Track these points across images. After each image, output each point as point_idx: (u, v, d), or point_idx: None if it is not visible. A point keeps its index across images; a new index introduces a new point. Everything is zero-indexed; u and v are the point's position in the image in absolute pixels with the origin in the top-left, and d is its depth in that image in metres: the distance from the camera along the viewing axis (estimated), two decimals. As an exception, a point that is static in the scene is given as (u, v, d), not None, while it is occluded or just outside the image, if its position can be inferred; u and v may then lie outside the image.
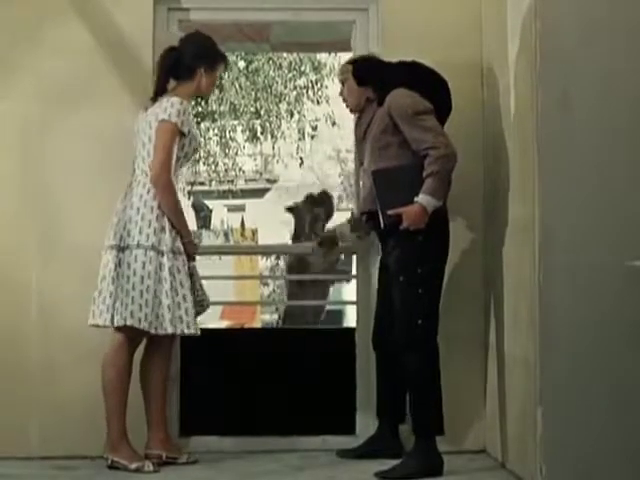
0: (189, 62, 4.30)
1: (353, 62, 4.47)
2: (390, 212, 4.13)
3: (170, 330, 4.11)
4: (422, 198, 4.07)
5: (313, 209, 7.50)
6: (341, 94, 4.53)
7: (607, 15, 3.68)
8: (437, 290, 4.21)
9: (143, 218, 4.14)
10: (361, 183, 4.58)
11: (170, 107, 4.17)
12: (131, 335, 4.13)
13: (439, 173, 4.08)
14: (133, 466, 4.10)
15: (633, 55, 3.67)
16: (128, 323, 4.06)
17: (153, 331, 4.09)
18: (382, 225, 4.20)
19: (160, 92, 4.29)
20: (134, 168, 4.28)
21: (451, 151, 4.11)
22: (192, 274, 4.28)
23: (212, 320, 9.24)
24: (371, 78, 4.34)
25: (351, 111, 4.52)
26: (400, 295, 4.18)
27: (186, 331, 4.14)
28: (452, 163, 4.12)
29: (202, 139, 15.84)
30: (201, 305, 4.36)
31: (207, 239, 14.24)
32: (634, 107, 3.66)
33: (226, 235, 16.02)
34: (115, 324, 4.10)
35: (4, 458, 4.38)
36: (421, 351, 4.14)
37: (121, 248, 4.14)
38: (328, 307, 8.73)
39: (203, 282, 4.40)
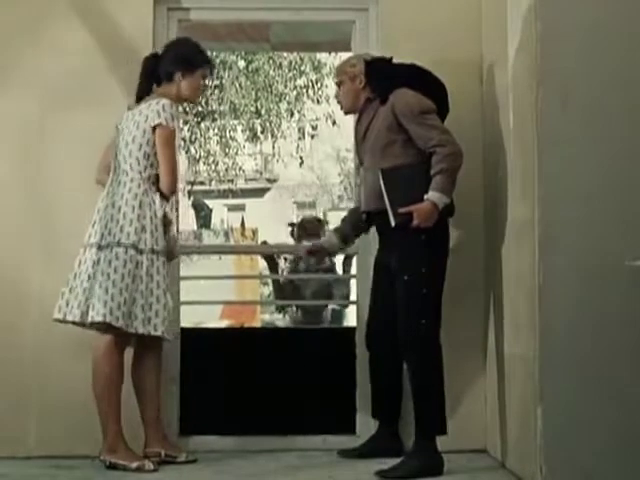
0: (166, 67, 4.32)
1: (369, 62, 4.45)
2: (401, 210, 4.13)
3: (140, 330, 4.09)
4: (432, 195, 4.09)
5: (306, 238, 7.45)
6: (337, 96, 4.54)
7: (607, 15, 3.69)
8: (440, 289, 4.22)
9: (125, 217, 4.14)
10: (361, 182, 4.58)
11: (162, 111, 4.18)
12: (119, 336, 4.12)
13: (448, 170, 4.10)
14: (134, 465, 4.10)
15: (633, 55, 3.68)
16: (107, 320, 4.04)
17: (125, 329, 4.07)
18: (392, 223, 4.19)
19: (142, 95, 4.33)
20: (115, 166, 4.29)
21: (458, 149, 4.15)
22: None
23: (212, 320, 9.24)
24: (374, 78, 4.34)
25: (345, 113, 4.53)
26: (404, 295, 4.17)
27: (153, 333, 4.12)
28: (459, 161, 4.15)
29: (202, 139, 15.86)
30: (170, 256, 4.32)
31: (207, 239, 14.25)
32: (634, 107, 3.67)
33: (226, 235, 16.03)
34: (90, 320, 4.07)
35: (4, 458, 4.39)
36: (424, 350, 4.14)
37: (101, 246, 4.14)
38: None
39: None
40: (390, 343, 4.25)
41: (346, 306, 7.13)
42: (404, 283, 4.17)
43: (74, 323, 4.15)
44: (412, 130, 4.18)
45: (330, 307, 7.22)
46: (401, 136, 4.22)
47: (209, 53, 4.45)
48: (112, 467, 4.12)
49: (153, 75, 4.35)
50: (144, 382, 4.27)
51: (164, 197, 4.27)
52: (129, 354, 4.26)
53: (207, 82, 4.50)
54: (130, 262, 4.10)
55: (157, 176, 4.23)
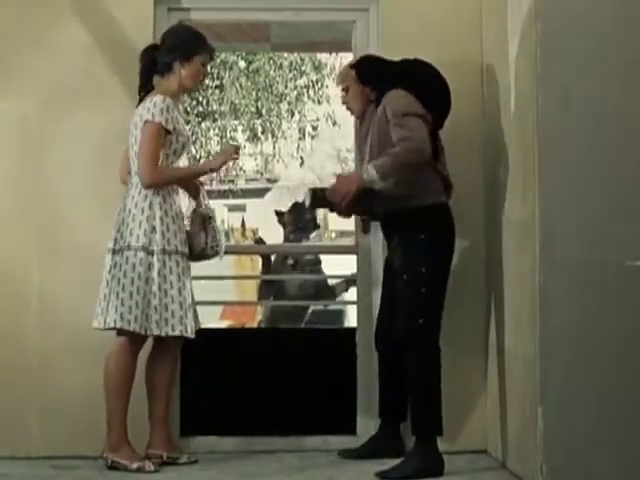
0: (164, 57, 4.29)
1: (354, 65, 4.45)
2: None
3: (155, 332, 4.10)
4: (365, 168, 4.11)
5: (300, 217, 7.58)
6: (344, 102, 4.51)
7: (607, 13, 3.68)
8: (441, 290, 4.21)
9: (134, 219, 4.14)
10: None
11: (153, 107, 4.16)
12: (132, 337, 4.13)
13: (397, 156, 4.06)
14: (134, 466, 4.10)
15: (633, 54, 3.68)
16: (118, 325, 4.07)
17: (143, 332, 4.09)
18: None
19: (144, 91, 4.30)
20: (130, 169, 4.29)
21: (421, 148, 4.08)
22: (209, 217, 4.33)
23: (212, 320, 9.24)
24: (372, 77, 4.34)
25: (357, 117, 4.52)
26: (403, 294, 4.18)
27: (170, 333, 4.13)
28: (416, 158, 4.08)
29: (203, 139, 15.87)
30: (214, 250, 4.36)
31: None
32: (635, 106, 3.66)
33: (227, 235, 16.03)
34: (106, 326, 4.11)
35: (4, 458, 4.39)
36: (422, 351, 4.14)
37: (115, 251, 4.15)
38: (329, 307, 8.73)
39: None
40: (397, 343, 4.26)
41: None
42: (403, 282, 4.17)
43: (101, 329, 4.16)
44: (390, 128, 4.15)
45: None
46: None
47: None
48: (113, 467, 4.12)
49: (152, 67, 4.32)
50: (155, 382, 4.27)
51: (191, 195, 4.30)
52: (145, 353, 4.27)
53: (208, 69, 4.44)
54: (140, 265, 4.10)
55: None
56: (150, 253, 4.12)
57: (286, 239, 7.71)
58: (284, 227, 7.74)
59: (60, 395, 4.50)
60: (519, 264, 4.00)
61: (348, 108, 4.51)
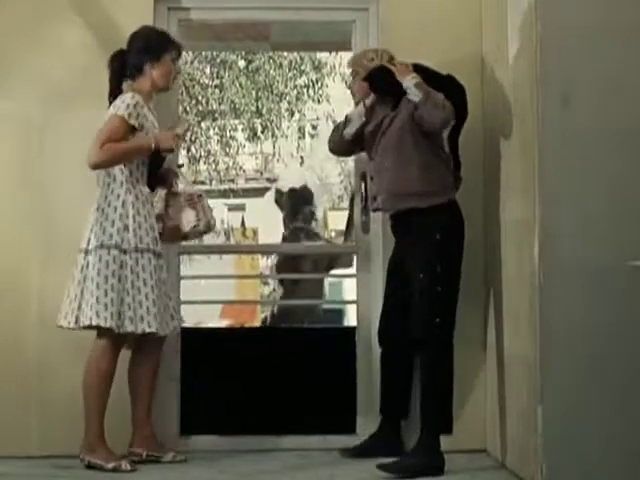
0: (134, 60, 4.29)
1: (366, 78, 4.44)
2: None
3: (130, 329, 4.09)
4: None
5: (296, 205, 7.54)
6: (350, 87, 4.54)
7: (607, 14, 3.69)
8: (455, 289, 4.25)
9: (107, 218, 4.15)
10: (369, 180, 4.53)
11: (120, 102, 4.18)
12: (112, 338, 4.12)
13: (442, 100, 4.11)
14: (110, 466, 4.09)
15: (633, 54, 3.68)
16: (94, 323, 4.07)
17: (117, 330, 4.08)
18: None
19: (113, 95, 4.29)
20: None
21: (451, 117, 4.17)
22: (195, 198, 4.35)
23: (212, 319, 9.25)
24: (387, 87, 4.31)
25: (356, 104, 4.52)
26: (419, 293, 4.19)
27: (147, 330, 4.12)
28: (448, 113, 4.14)
29: (202, 138, 15.86)
30: (207, 226, 4.40)
31: (207, 238, 14.23)
32: (635, 106, 3.67)
33: (227, 234, 16.04)
34: (81, 325, 4.11)
35: (4, 457, 4.38)
36: (437, 349, 4.16)
37: (88, 250, 4.15)
38: (327, 306, 8.72)
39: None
40: (403, 341, 4.26)
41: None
42: (419, 281, 4.18)
43: (72, 328, 4.17)
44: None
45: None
46: (418, 136, 4.24)
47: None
48: (90, 467, 4.12)
49: (122, 71, 4.32)
50: (137, 382, 4.28)
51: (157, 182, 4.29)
52: (128, 353, 4.28)
53: (178, 65, 4.45)
54: (114, 263, 4.10)
55: (136, 169, 4.21)
56: (123, 251, 4.12)
57: (284, 222, 7.64)
58: (281, 209, 7.70)
59: (60, 395, 4.49)
60: (519, 264, 4.00)
61: (352, 93, 4.52)
